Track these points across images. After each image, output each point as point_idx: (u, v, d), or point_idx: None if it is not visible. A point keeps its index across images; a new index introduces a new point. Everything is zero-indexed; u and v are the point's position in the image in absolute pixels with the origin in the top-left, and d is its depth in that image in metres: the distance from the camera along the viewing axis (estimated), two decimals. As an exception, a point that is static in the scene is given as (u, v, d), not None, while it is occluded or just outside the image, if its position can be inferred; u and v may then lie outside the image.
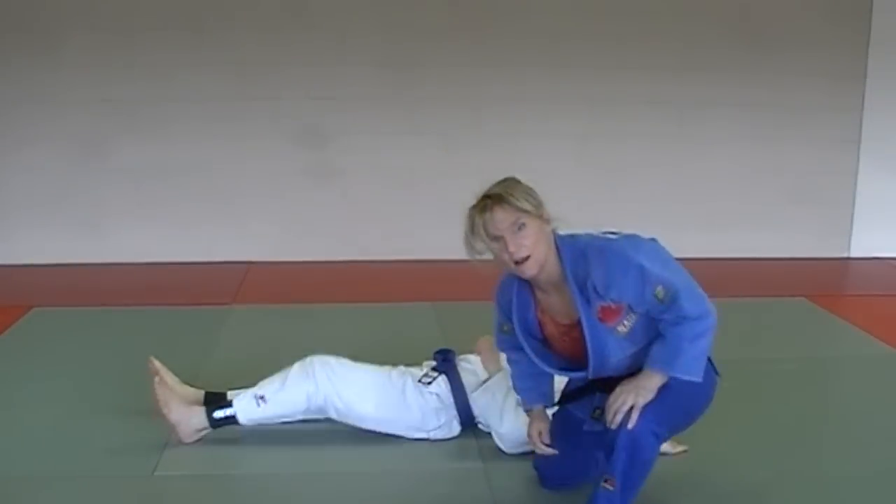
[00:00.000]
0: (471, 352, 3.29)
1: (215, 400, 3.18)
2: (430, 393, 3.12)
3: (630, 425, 2.39)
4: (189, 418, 3.08)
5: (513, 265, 2.44)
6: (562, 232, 2.52)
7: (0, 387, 3.71)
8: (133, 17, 5.44)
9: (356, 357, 3.24)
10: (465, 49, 5.61)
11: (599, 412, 2.57)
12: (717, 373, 2.68)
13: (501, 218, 2.41)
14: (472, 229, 2.49)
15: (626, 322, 2.48)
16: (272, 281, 5.40)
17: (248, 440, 3.21)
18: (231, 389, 3.21)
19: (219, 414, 3.09)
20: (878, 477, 3.01)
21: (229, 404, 3.11)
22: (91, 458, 3.08)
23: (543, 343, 2.61)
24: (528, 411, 2.79)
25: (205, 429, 3.10)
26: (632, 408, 2.41)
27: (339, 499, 2.90)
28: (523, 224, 2.41)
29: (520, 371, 2.76)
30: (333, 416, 3.14)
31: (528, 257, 2.41)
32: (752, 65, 5.77)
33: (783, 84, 5.82)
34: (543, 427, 2.75)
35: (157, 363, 3.23)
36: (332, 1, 5.55)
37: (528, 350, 2.59)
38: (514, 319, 2.59)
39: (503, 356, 2.91)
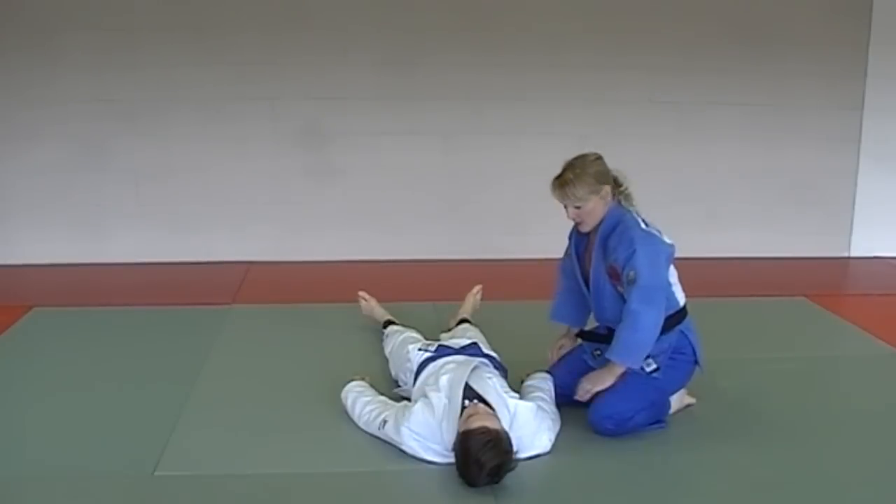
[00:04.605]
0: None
1: None
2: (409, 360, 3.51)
3: (584, 399, 3.25)
4: None
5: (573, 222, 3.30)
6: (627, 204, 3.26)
7: (0, 387, 3.71)
8: (133, 16, 5.44)
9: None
10: (465, 49, 5.61)
11: (598, 353, 3.35)
12: (696, 363, 3.33)
13: (561, 197, 3.24)
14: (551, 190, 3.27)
15: (621, 287, 3.17)
16: (272, 281, 5.40)
17: (248, 440, 3.22)
18: None
19: None
20: (878, 477, 3.01)
21: None
22: (91, 458, 3.08)
23: (584, 273, 3.40)
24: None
25: None
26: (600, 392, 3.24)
27: (340, 498, 2.90)
28: (580, 202, 3.20)
29: (566, 289, 3.50)
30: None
31: (580, 222, 3.26)
32: (752, 65, 5.77)
33: (783, 84, 5.82)
34: (566, 343, 3.56)
35: None
36: (332, 1, 5.55)
37: (575, 265, 3.40)
38: (573, 247, 3.42)
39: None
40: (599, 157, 3.29)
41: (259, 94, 5.58)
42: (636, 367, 3.18)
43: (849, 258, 6.07)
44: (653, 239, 3.18)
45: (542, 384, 3.35)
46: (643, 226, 3.21)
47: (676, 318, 3.26)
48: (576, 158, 3.27)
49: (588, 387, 3.24)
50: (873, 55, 5.80)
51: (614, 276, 3.18)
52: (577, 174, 3.20)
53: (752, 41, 5.75)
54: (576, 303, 3.48)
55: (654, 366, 3.23)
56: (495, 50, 5.63)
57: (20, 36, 5.39)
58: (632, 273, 3.09)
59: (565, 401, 3.32)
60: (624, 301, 3.15)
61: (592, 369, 3.31)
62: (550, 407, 3.24)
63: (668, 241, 3.23)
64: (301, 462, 3.08)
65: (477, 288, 4.31)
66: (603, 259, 3.23)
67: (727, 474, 3.03)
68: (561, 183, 3.21)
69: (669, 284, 3.24)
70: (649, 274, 3.10)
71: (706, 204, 5.94)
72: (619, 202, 3.27)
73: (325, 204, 5.77)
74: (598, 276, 3.26)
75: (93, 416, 3.42)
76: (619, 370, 3.19)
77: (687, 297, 3.34)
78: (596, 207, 3.22)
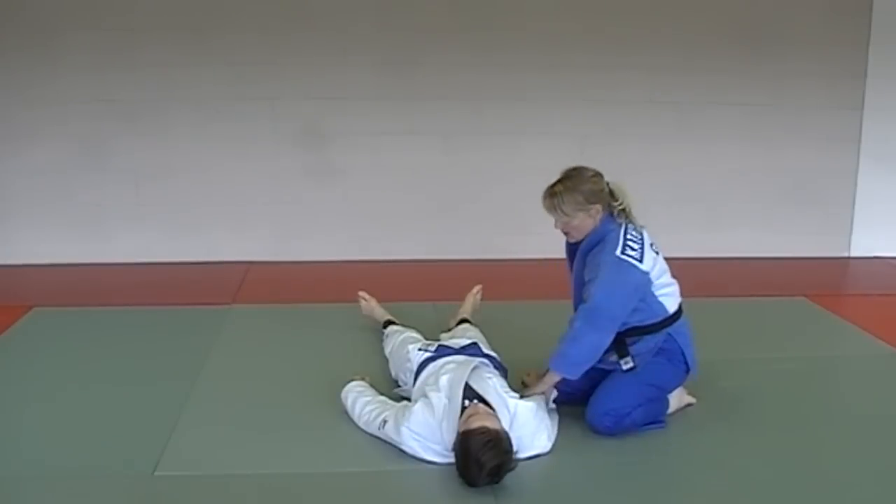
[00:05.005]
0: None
1: None
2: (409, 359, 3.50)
3: (523, 399, 3.15)
4: None
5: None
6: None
7: (0, 387, 3.71)
8: (133, 17, 5.44)
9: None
10: (465, 49, 5.61)
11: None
12: (687, 367, 3.32)
13: (548, 208, 3.27)
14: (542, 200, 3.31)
15: None
16: (272, 281, 5.40)
17: (248, 440, 3.22)
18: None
19: None
20: (878, 477, 3.01)
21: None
22: (91, 458, 3.08)
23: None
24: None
25: None
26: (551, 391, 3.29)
27: (340, 498, 2.90)
28: (566, 217, 3.25)
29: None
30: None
31: (567, 233, 3.32)
32: (752, 65, 5.77)
33: (783, 84, 5.82)
34: None
35: None
36: (332, 1, 5.54)
37: (568, 266, 3.48)
38: (565, 250, 3.48)
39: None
40: (596, 175, 3.28)
41: (259, 94, 5.58)
42: (573, 377, 3.19)
43: (849, 258, 6.07)
44: (622, 268, 3.15)
45: None
46: (618, 252, 3.15)
47: (663, 323, 3.27)
48: (573, 170, 3.29)
49: (531, 389, 3.27)
50: (873, 55, 5.79)
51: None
52: (566, 188, 3.23)
53: (752, 41, 5.75)
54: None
55: (630, 364, 3.25)
56: (495, 50, 5.62)
57: (20, 36, 5.39)
58: (585, 294, 3.16)
59: (567, 399, 3.32)
60: None
61: (593, 369, 3.29)
62: (550, 407, 3.24)
63: (643, 268, 3.17)
64: (301, 462, 3.08)
65: (477, 288, 4.31)
66: (582, 270, 3.30)
67: (726, 474, 3.03)
68: (550, 194, 3.25)
69: (662, 294, 3.23)
70: (602, 299, 3.12)
71: (706, 204, 5.94)
72: (612, 215, 3.26)
73: (325, 204, 5.77)
74: (579, 282, 3.32)
75: (93, 416, 3.42)
76: (552, 378, 3.21)
77: (687, 297, 3.34)
78: (583, 223, 3.26)
